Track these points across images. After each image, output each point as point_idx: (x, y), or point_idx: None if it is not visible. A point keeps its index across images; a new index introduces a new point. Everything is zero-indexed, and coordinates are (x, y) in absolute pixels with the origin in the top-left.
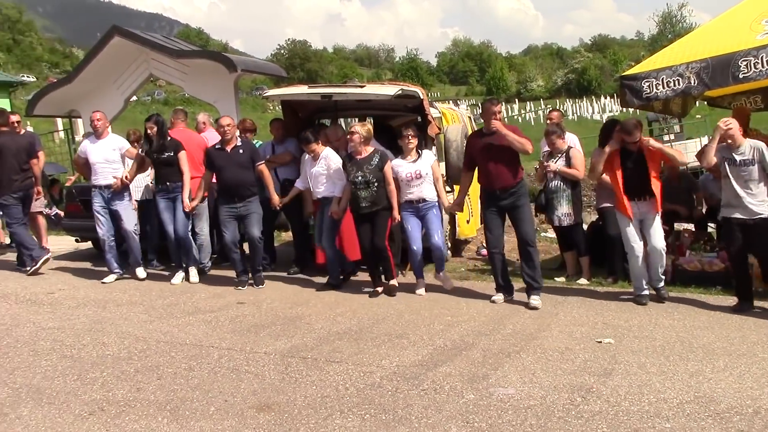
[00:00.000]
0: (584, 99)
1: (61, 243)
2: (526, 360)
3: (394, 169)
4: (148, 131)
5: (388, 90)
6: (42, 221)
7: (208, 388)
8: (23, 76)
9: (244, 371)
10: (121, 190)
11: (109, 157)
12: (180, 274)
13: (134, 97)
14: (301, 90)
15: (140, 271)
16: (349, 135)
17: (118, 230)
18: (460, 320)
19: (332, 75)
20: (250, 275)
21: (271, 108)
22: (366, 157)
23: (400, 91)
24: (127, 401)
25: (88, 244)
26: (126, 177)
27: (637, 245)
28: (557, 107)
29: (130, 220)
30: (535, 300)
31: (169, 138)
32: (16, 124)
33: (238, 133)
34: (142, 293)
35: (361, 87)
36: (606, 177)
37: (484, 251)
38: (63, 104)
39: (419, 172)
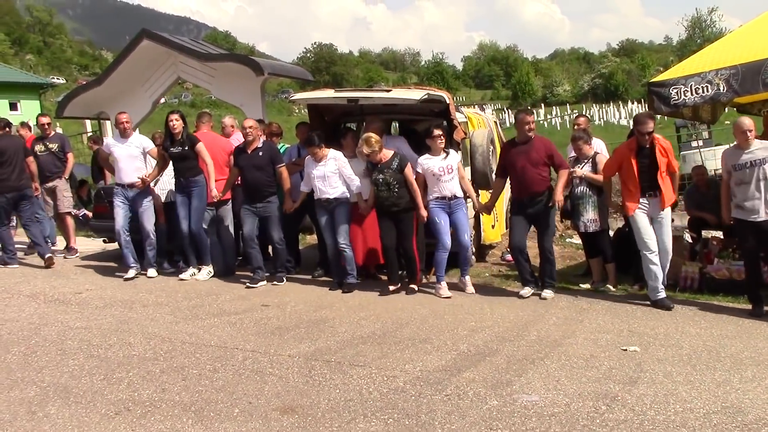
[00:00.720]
0: (611, 104)
1: (89, 244)
2: (551, 367)
3: (425, 166)
4: (169, 125)
5: (415, 95)
6: (70, 221)
7: (232, 389)
8: (53, 77)
9: (268, 374)
10: (143, 189)
11: (133, 154)
12: (190, 270)
13: (162, 99)
14: (327, 94)
15: (151, 271)
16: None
17: (139, 230)
18: (484, 326)
19: (358, 78)
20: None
21: (297, 111)
22: (386, 161)
23: (426, 96)
24: (152, 401)
25: (116, 245)
26: (146, 176)
27: (653, 242)
28: (584, 112)
29: (150, 220)
30: (547, 293)
31: (185, 133)
32: (46, 126)
33: (263, 136)
34: (168, 294)
35: (388, 91)
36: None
37: (509, 257)
38: (92, 106)
39: (451, 167)
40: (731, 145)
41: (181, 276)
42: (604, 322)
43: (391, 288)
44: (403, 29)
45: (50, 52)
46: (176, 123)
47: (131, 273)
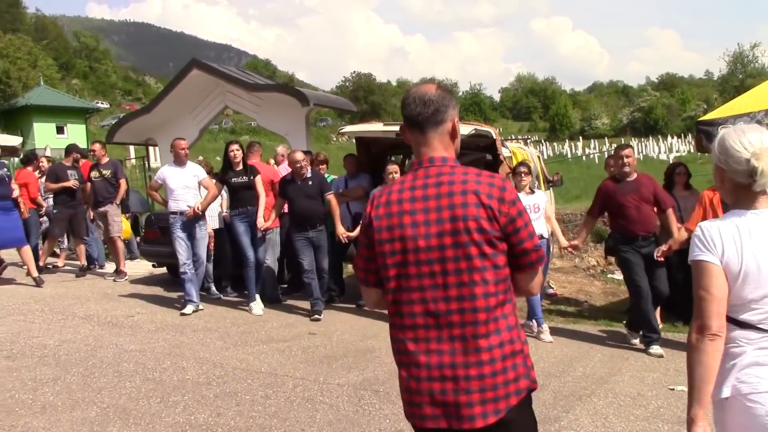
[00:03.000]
0: (650, 138)
1: (137, 267)
2: (598, 404)
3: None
4: (230, 154)
5: (462, 129)
6: (120, 245)
7: (285, 416)
8: (98, 102)
9: (319, 401)
10: (195, 218)
11: (189, 183)
12: (256, 307)
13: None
14: (376, 127)
15: (216, 291)
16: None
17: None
18: None
19: (395, 108)
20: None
21: (335, 140)
22: None
23: (473, 131)
24: (208, 425)
25: (163, 270)
26: (198, 207)
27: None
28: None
29: (203, 249)
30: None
31: (245, 163)
32: (94, 154)
33: (309, 166)
34: (217, 320)
35: None
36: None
37: (551, 290)
38: (141, 132)
39: (538, 206)
40: None
41: (254, 311)
42: (650, 360)
43: None
44: (441, 59)
45: (95, 77)
46: (237, 153)
47: (189, 309)
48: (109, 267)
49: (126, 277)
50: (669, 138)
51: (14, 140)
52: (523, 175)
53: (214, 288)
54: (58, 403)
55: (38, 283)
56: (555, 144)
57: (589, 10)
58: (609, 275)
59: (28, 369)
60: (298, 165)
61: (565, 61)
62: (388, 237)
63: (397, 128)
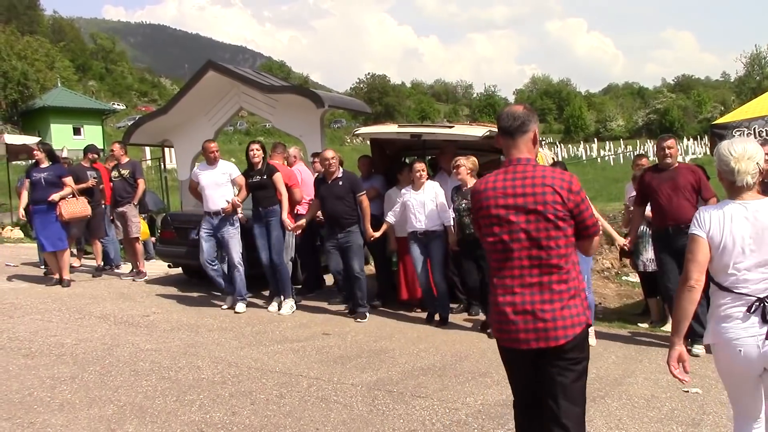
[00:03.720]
0: None
1: (152, 268)
2: (612, 406)
3: None
4: (250, 153)
5: (477, 131)
6: (138, 246)
7: (299, 415)
8: (114, 103)
9: (333, 401)
10: (228, 216)
11: (219, 181)
12: (273, 304)
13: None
14: (391, 129)
15: (240, 306)
16: (455, 167)
17: (224, 259)
18: None
19: (410, 110)
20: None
21: (349, 141)
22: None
23: (488, 133)
24: (224, 424)
25: (179, 270)
26: (235, 200)
27: None
28: (638, 147)
29: (236, 250)
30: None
31: (265, 163)
32: (114, 151)
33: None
34: (232, 320)
35: (450, 127)
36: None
37: None
38: (157, 134)
39: None
40: None
41: (270, 308)
42: (663, 363)
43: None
44: (455, 61)
45: (111, 79)
46: (257, 153)
47: (230, 302)
48: (125, 267)
49: (144, 277)
50: (685, 140)
51: (31, 140)
52: None
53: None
54: (75, 401)
55: (64, 285)
56: (570, 146)
57: (605, 11)
58: (623, 277)
59: (46, 367)
60: (327, 163)
61: (580, 62)
62: (487, 214)
63: (412, 130)
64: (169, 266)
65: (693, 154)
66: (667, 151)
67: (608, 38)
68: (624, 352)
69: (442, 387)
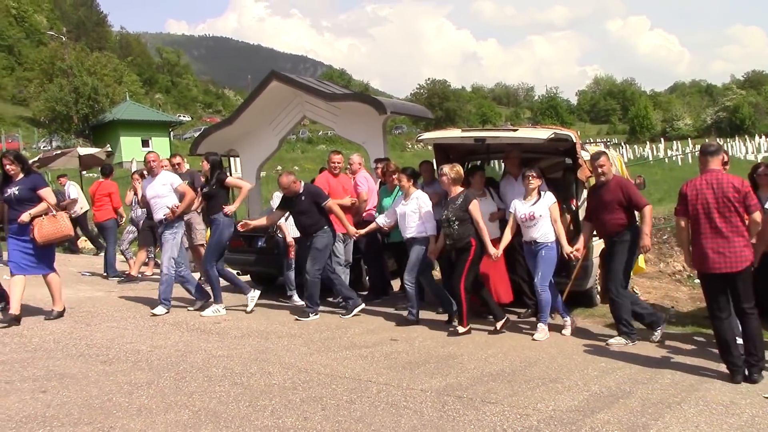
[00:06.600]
0: (736, 138)
1: None
2: (689, 412)
3: (515, 208)
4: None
5: (542, 134)
6: (203, 253)
7: (370, 421)
8: (180, 115)
9: (403, 407)
10: (170, 223)
11: (160, 192)
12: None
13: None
14: (454, 134)
15: (158, 309)
16: (439, 177)
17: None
18: (614, 367)
19: (471, 114)
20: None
21: (410, 147)
22: (453, 197)
23: (553, 135)
24: (296, 429)
25: (247, 277)
26: (176, 207)
27: None
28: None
29: (168, 255)
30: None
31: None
32: (176, 166)
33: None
34: (300, 326)
35: (514, 131)
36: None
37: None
38: (223, 144)
39: (533, 214)
40: None
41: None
42: None
43: (461, 330)
44: (514, 64)
45: (177, 92)
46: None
47: (160, 310)
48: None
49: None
50: (756, 138)
51: (100, 151)
52: (530, 178)
53: (297, 296)
54: (152, 406)
55: (53, 317)
56: (635, 146)
57: (667, 8)
58: (696, 280)
59: (123, 373)
60: (286, 190)
61: (644, 61)
62: (694, 202)
63: (476, 134)
64: (237, 274)
65: (766, 151)
66: (600, 169)
67: (672, 35)
68: (699, 357)
69: (512, 393)
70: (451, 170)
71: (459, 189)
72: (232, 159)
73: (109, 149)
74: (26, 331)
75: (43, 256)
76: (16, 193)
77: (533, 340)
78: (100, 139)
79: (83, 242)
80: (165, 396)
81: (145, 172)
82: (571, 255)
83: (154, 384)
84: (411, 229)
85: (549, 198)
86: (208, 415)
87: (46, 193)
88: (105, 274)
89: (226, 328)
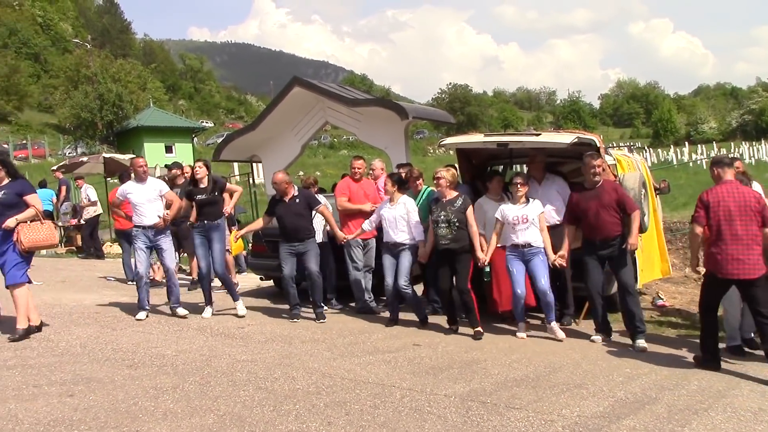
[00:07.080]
0: (762, 141)
1: (244, 281)
2: (716, 419)
3: (503, 213)
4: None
5: (565, 138)
6: (230, 259)
7: (394, 426)
8: (203, 121)
9: (427, 412)
10: (162, 228)
11: (151, 197)
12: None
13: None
14: (477, 138)
15: (180, 310)
16: (435, 180)
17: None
18: (640, 372)
19: (492, 118)
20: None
21: (432, 152)
22: (450, 199)
23: (576, 140)
24: None
25: (270, 282)
26: (167, 215)
27: None
28: (732, 150)
29: (171, 258)
30: (640, 343)
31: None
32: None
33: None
34: (324, 331)
35: (537, 135)
36: None
37: (660, 302)
38: (246, 150)
39: (526, 217)
40: None
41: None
42: None
43: (455, 328)
44: (536, 68)
45: (200, 98)
46: (199, 170)
47: (142, 315)
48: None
49: (237, 288)
50: None
51: (125, 158)
52: (519, 186)
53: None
54: (177, 410)
55: (17, 337)
56: (659, 150)
57: (691, 10)
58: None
59: (148, 377)
60: (282, 187)
61: (667, 64)
62: (716, 209)
63: (499, 139)
64: (261, 279)
65: None
66: (596, 169)
67: (696, 38)
68: (726, 363)
69: (537, 398)
70: (447, 173)
71: (455, 192)
72: (254, 164)
73: (133, 156)
74: (53, 336)
75: (18, 265)
76: (2, 197)
77: (560, 341)
78: (125, 146)
79: (108, 247)
80: (190, 400)
81: (132, 176)
82: (556, 263)
83: (179, 388)
84: (402, 233)
85: (538, 205)
86: (233, 419)
87: (33, 199)
88: (128, 279)
89: (250, 332)
